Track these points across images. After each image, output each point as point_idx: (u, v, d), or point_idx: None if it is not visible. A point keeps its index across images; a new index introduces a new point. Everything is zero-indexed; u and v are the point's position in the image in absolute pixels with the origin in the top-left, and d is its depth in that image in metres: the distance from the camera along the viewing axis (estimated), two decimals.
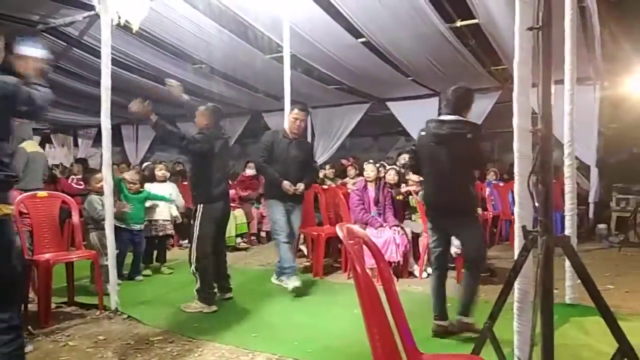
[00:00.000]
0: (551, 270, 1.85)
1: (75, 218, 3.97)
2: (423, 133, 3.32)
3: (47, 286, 3.51)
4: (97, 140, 11.32)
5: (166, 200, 5.35)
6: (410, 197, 5.18)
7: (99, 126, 11.52)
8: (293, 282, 4.21)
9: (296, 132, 4.45)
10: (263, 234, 7.14)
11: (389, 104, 8.19)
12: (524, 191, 2.17)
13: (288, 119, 4.52)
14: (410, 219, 5.19)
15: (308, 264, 5.33)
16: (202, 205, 3.93)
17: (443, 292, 3.29)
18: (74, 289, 4.02)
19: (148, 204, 5.12)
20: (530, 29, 1.92)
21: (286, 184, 4.29)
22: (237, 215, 6.65)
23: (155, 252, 5.35)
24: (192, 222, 4.01)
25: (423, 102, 7.71)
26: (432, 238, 3.35)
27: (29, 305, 3.66)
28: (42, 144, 12.01)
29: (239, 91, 8.36)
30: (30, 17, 5.88)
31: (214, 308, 3.86)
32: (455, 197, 3.19)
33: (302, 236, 5.57)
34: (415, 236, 5.03)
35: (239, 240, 6.65)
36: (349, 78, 7.38)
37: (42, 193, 3.92)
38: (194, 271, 3.90)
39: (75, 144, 11.99)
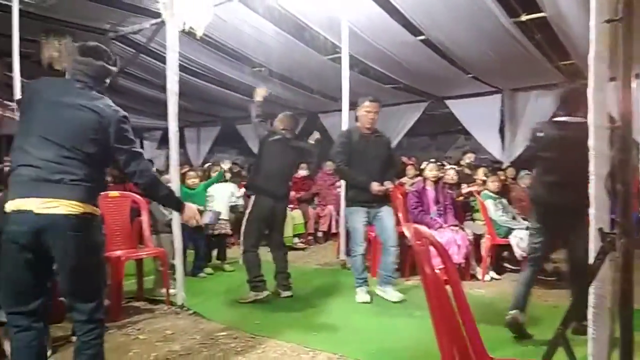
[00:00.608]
0: (631, 274, 1.74)
1: (144, 217, 4.16)
2: (541, 134, 3.20)
3: (119, 282, 3.70)
4: (162, 143, 11.82)
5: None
6: (472, 198, 5.04)
7: (163, 129, 12.01)
8: (393, 296, 4.08)
9: (370, 127, 4.14)
10: (320, 234, 7.18)
11: (447, 102, 8.00)
12: (600, 191, 2.06)
13: (360, 114, 4.16)
14: (472, 220, 5.04)
15: (367, 264, 5.29)
16: (253, 196, 4.22)
17: (531, 286, 3.25)
18: (142, 285, 4.22)
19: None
20: (609, 21, 1.82)
21: (374, 185, 3.98)
22: (295, 216, 6.73)
23: (215, 251, 5.51)
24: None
25: (484, 99, 7.47)
26: (537, 239, 3.28)
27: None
28: None
29: (295, 92, 8.45)
30: (102, 25, 6.23)
31: (266, 293, 4.11)
32: (580, 198, 3.07)
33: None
34: (477, 238, 4.89)
35: (296, 240, 6.74)
36: (406, 76, 7.28)
37: (114, 193, 4.14)
38: (242, 262, 4.18)
39: (141, 146, 12.54)
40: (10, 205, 2.04)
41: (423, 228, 1.66)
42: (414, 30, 5.71)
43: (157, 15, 5.69)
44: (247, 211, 4.21)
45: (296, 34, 6.23)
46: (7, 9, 4.97)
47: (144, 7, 5.65)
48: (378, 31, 5.80)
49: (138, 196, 4.10)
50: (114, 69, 2.37)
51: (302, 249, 6.68)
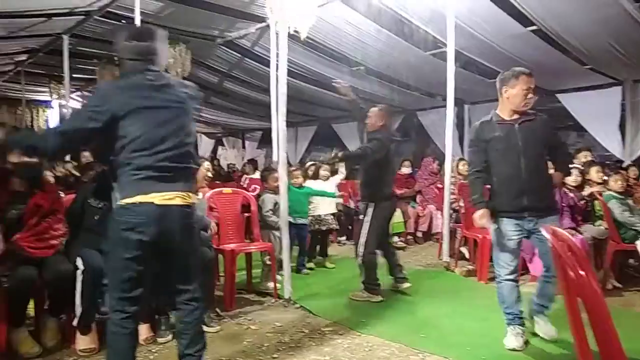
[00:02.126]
0: None
1: (253, 213, 4.35)
2: None
3: (232, 273, 3.89)
4: (262, 142, 12.30)
5: (328, 196, 5.52)
6: (595, 200, 4.64)
7: (264, 129, 12.47)
8: (548, 331, 3.14)
9: (523, 110, 3.05)
10: (419, 234, 7.04)
11: (559, 95, 7.45)
12: None
13: (513, 93, 3.00)
14: (593, 223, 4.64)
15: (471, 267, 5.10)
16: (374, 204, 4.09)
17: None
18: (252, 278, 4.41)
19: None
20: None
21: (477, 215, 3.08)
22: (395, 215, 6.64)
23: (318, 247, 5.61)
24: (359, 218, 4.24)
25: (602, 92, 6.84)
26: None
27: (216, 291, 4.09)
28: (215, 146, 13.45)
29: (393, 90, 8.36)
30: (211, 32, 6.61)
31: (380, 298, 4.04)
32: None
33: (460, 237, 5.37)
34: (597, 243, 4.50)
35: (395, 239, 6.65)
36: None
37: (227, 190, 4.38)
38: (360, 264, 4.10)
39: (243, 146, 13.14)
40: (131, 199, 2.12)
41: (561, 230, 1.54)
42: (524, 20, 5.40)
43: (262, 19, 5.94)
44: (369, 217, 4.08)
45: (396, 30, 6.16)
46: (131, 20, 5.44)
47: (250, 12, 5.91)
48: (484, 24, 5.56)
49: (249, 193, 4.29)
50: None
51: (402, 249, 6.58)
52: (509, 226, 3.03)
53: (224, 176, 9.14)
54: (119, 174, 2.16)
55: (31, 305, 3.08)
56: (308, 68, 7.61)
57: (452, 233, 5.55)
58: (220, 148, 13.23)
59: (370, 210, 4.08)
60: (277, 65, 4.74)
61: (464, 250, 5.54)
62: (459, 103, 7.15)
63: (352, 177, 7.03)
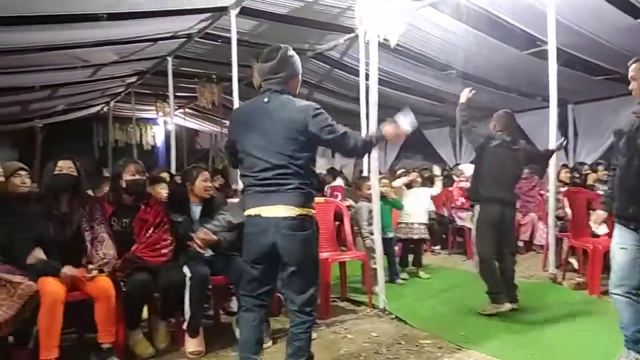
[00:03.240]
0: None
1: (347, 222, 4.37)
2: None
3: (327, 282, 3.93)
4: None
5: (396, 207, 5.33)
6: None
7: None
8: None
9: None
10: (520, 243, 6.65)
11: None
12: None
13: None
14: None
15: (581, 280, 4.73)
16: (478, 206, 3.99)
17: None
18: (346, 286, 4.43)
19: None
20: None
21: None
22: None
23: (410, 256, 5.49)
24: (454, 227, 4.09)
25: None
26: None
27: None
28: None
29: (488, 93, 8.02)
30: (302, 45, 6.77)
31: (508, 306, 3.82)
32: None
33: (568, 247, 4.99)
34: None
35: None
36: (623, 66, 6.33)
37: (320, 199, 4.43)
38: (479, 273, 3.95)
39: (332, 155, 13.28)
40: (247, 212, 2.42)
41: None
42: (634, 11, 4.95)
43: (351, 30, 6.00)
44: (475, 219, 4.03)
45: (489, 30, 5.92)
46: (227, 40, 5.75)
47: (339, 24, 5.99)
48: (588, 18, 5.18)
49: (340, 203, 4.33)
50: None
51: None
52: (622, 234, 2.74)
53: (316, 184, 9.29)
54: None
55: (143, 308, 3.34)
56: (396, 74, 7.55)
57: (558, 242, 5.19)
58: None
59: (475, 212, 4.01)
60: (366, 74, 4.76)
61: (572, 261, 5.16)
62: (561, 103, 6.69)
63: (445, 185, 6.85)
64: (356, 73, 6.08)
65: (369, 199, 4.48)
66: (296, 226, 2.32)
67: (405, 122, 2.53)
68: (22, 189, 3.17)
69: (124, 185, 3.34)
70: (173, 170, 7.38)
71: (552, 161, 5.01)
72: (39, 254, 2.81)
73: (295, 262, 2.37)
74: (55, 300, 2.67)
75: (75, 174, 3.04)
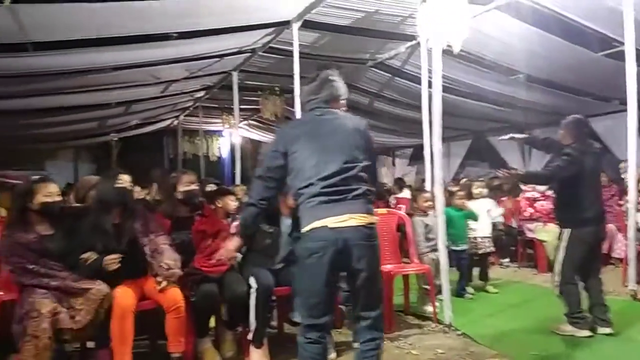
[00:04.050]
0: None
1: (410, 234, 4.30)
2: None
3: (390, 295, 3.88)
4: (413, 159, 12.18)
5: (472, 218, 5.15)
6: None
7: (414, 146, 12.32)
8: None
9: None
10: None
11: None
12: None
13: None
14: None
15: None
16: (569, 230, 3.63)
17: None
18: (409, 300, 4.34)
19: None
20: None
21: None
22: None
23: (475, 270, 5.29)
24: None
25: None
26: None
27: None
28: None
29: (558, 97, 7.65)
30: (363, 55, 6.79)
31: (587, 333, 3.54)
32: None
33: None
34: None
35: None
36: None
37: (382, 210, 4.40)
38: (559, 295, 3.67)
39: (393, 163, 13.16)
40: (309, 227, 2.25)
41: None
42: None
43: (412, 38, 5.93)
44: (564, 242, 3.65)
45: (559, 32, 5.65)
46: (289, 53, 5.85)
47: (400, 32, 5.94)
48: None
49: (404, 214, 4.26)
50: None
51: None
52: None
53: (378, 195, 9.22)
54: (298, 205, 2.33)
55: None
56: (460, 81, 7.36)
57: (639, 256, 4.81)
58: None
59: (565, 236, 3.63)
60: (428, 81, 4.69)
61: None
62: None
63: (514, 195, 6.58)
64: (417, 81, 5.99)
65: (425, 212, 4.39)
66: (370, 235, 2.24)
67: None
68: None
69: (180, 196, 3.45)
70: (238, 180, 7.61)
71: (632, 168, 4.68)
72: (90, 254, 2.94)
73: (371, 274, 2.26)
74: (125, 311, 2.82)
75: (129, 187, 3.19)
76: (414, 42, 5.97)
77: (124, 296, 2.86)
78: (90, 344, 3.07)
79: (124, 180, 3.15)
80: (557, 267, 3.65)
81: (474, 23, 5.14)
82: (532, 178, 3.92)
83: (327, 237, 2.20)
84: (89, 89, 6.87)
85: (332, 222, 2.18)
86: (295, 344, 3.29)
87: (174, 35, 5.41)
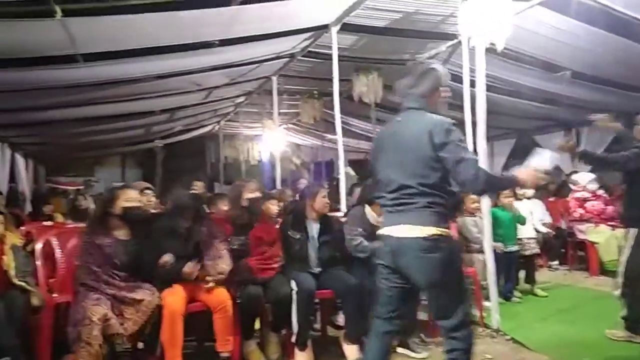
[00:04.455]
0: None
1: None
2: None
3: None
4: None
5: (520, 221, 4.98)
6: None
7: None
8: None
9: None
10: None
11: None
12: None
13: None
14: None
15: None
16: (636, 229, 3.47)
17: None
18: None
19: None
20: None
21: None
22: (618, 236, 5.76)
23: (521, 272, 5.13)
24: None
25: None
26: None
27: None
28: None
29: (605, 93, 7.35)
30: (402, 56, 6.72)
31: None
32: None
33: None
34: None
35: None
36: None
37: None
38: (620, 296, 3.53)
39: None
40: (380, 232, 2.43)
41: None
42: None
43: (453, 37, 5.83)
44: (630, 241, 3.49)
45: (609, 26, 5.42)
46: (328, 57, 5.87)
47: (440, 31, 5.85)
48: None
49: None
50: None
51: None
52: None
53: None
54: None
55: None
56: (503, 79, 7.17)
57: None
58: None
59: (631, 236, 3.49)
60: (470, 80, 4.60)
61: None
62: None
63: (563, 195, 6.36)
64: (459, 80, 5.88)
65: (473, 213, 4.30)
66: (426, 247, 2.20)
67: (542, 163, 2.35)
68: (149, 206, 3.48)
69: (245, 204, 3.52)
70: (278, 184, 7.68)
71: None
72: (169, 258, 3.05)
73: (428, 285, 2.27)
74: (175, 314, 2.90)
75: (202, 193, 3.30)
76: (455, 41, 5.87)
77: (175, 301, 2.94)
78: (140, 345, 3.16)
79: (199, 186, 3.27)
80: (621, 268, 3.51)
81: (517, 20, 5.02)
82: (591, 158, 3.70)
83: (389, 244, 2.31)
84: (135, 97, 7.10)
85: (394, 230, 2.27)
86: (338, 348, 3.34)
87: (216, 42, 5.52)
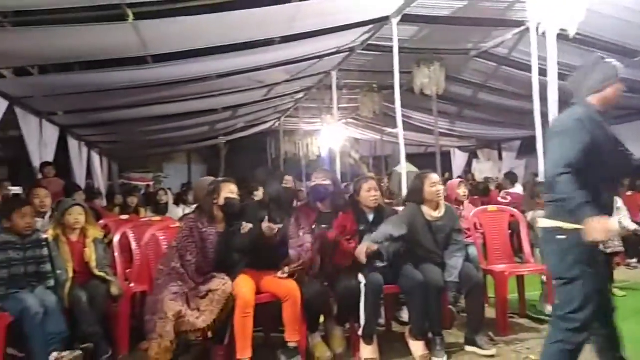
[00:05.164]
0: None
1: (524, 231, 4.05)
2: None
3: (504, 296, 3.68)
4: (521, 152, 11.49)
5: None
6: None
7: (522, 138, 11.61)
8: None
9: None
10: None
11: None
12: None
13: None
14: None
15: None
16: None
17: None
18: (525, 302, 4.10)
19: None
20: None
21: None
22: None
23: None
24: None
25: None
26: None
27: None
28: (469, 159, 13.14)
29: None
30: (465, 45, 6.52)
31: None
32: None
33: None
34: None
35: None
36: None
37: (493, 207, 4.20)
38: None
39: (500, 157, 12.50)
40: None
41: None
42: None
43: (520, 24, 5.59)
44: None
45: None
46: (388, 49, 5.79)
47: (507, 19, 5.62)
48: None
49: (516, 211, 4.03)
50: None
51: None
52: None
53: (480, 191, 8.81)
54: None
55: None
56: (575, 66, 6.77)
57: None
58: (474, 161, 12.86)
59: None
60: (540, 68, 4.41)
61: None
62: None
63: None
64: (527, 69, 5.64)
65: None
66: (547, 238, 2.33)
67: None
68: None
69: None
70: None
71: None
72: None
73: (552, 275, 2.40)
74: (247, 305, 2.97)
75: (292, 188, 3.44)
76: (522, 28, 5.62)
77: (247, 291, 3.01)
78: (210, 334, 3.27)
79: (288, 181, 3.39)
80: None
81: (589, 4, 4.73)
82: None
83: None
84: (200, 96, 7.35)
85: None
86: (403, 344, 3.30)
87: (277, 40, 5.60)
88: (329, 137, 10.48)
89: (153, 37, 4.69)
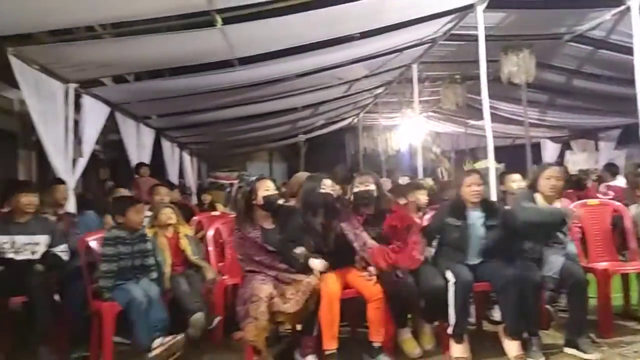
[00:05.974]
0: None
1: (629, 227, 3.74)
2: None
3: (607, 296, 3.43)
4: (621, 142, 10.61)
5: None
6: None
7: (622, 126, 10.75)
8: None
9: None
10: None
11: None
12: None
13: None
14: None
15: None
16: None
17: None
18: (629, 302, 3.79)
19: None
20: None
21: None
22: None
23: None
24: None
25: None
26: None
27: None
28: (561, 151, 12.31)
29: None
30: (558, 29, 6.12)
31: None
32: None
33: None
34: None
35: None
36: None
37: (593, 201, 3.93)
38: None
39: (596, 147, 11.62)
40: None
41: None
42: None
43: (619, 3, 5.14)
44: None
45: None
46: (471, 38, 5.57)
47: None
48: None
49: (620, 204, 3.73)
50: None
51: None
52: None
53: (574, 183, 8.25)
54: None
55: None
56: None
57: None
58: (567, 152, 12.04)
59: None
60: None
61: None
62: None
63: None
64: (627, 51, 5.19)
65: None
66: None
67: None
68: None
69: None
70: (421, 173, 7.53)
71: None
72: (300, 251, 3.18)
73: None
74: (332, 298, 3.02)
75: (333, 192, 3.35)
76: (622, 7, 5.18)
77: (332, 284, 3.06)
78: (299, 327, 3.35)
79: (327, 185, 3.33)
80: None
81: None
82: None
83: None
84: (281, 95, 7.53)
85: None
86: (495, 343, 3.18)
87: (357, 35, 5.59)
88: (409, 132, 10.33)
89: (240, 41, 4.84)
